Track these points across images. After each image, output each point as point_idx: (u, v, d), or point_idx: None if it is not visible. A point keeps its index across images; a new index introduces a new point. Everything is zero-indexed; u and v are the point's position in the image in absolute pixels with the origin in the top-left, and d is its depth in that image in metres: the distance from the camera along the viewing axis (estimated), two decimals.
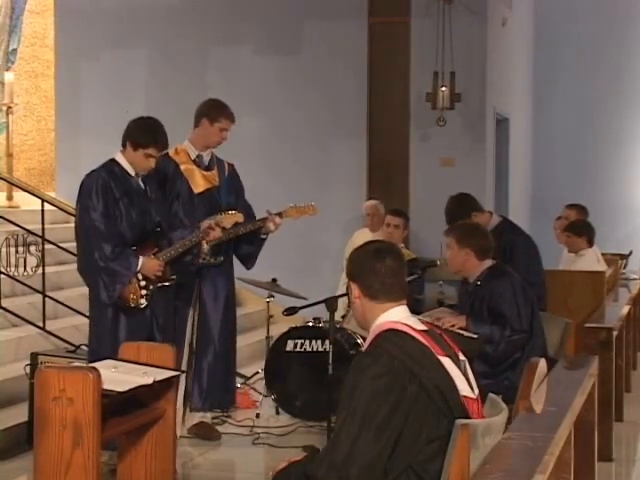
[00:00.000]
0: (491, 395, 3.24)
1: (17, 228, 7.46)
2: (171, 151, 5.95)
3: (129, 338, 5.00)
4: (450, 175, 9.40)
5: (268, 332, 7.17)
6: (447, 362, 3.04)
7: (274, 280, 7.11)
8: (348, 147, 9.80)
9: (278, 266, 8.44)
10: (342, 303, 6.61)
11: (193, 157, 6.02)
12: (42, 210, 7.47)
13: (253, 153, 9.59)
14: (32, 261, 7.41)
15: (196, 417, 6.08)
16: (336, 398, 3.30)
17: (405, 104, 9.72)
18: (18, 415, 5.80)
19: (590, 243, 7.95)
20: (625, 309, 7.12)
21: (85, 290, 5.51)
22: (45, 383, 3.82)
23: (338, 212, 9.49)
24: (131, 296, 5.20)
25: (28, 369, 5.76)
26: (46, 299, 7.23)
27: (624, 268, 9.59)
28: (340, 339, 6.36)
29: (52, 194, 9.99)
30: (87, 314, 5.68)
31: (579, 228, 8.01)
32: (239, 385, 6.97)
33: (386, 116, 9.79)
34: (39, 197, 7.88)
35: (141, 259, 5.23)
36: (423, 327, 3.14)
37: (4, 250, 7.36)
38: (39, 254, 7.39)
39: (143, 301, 5.24)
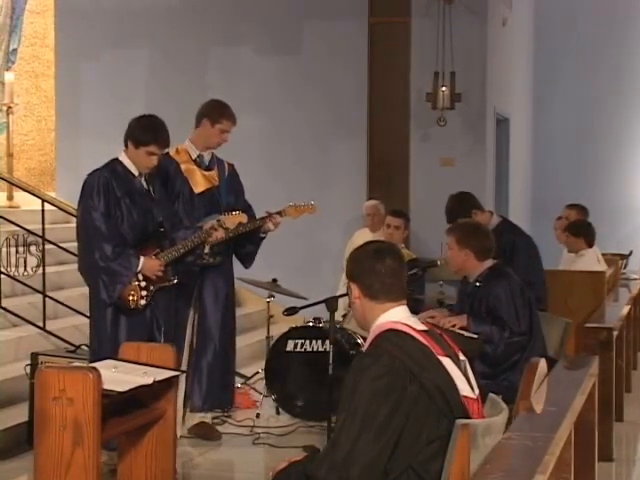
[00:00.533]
0: (491, 395, 3.24)
1: (17, 228, 7.46)
2: (172, 151, 5.95)
3: (130, 338, 5.00)
4: (450, 175, 9.40)
5: (268, 332, 7.17)
6: (447, 362, 3.04)
7: (274, 280, 7.11)
8: (348, 147, 9.80)
9: (278, 266, 8.45)
10: (342, 303, 6.60)
11: (194, 157, 6.02)
12: (42, 210, 7.47)
13: (253, 153, 9.59)
14: (32, 261, 7.41)
15: (196, 417, 6.08)
16: (336, 398, 3.30)
17: (405, 104, 9.72)
18: (18, 415, 5.80)
19: (589, 243, 7.95)
20: (625, 309, 7.12)
21: (85, 290, 5.51)
22: (45, 383, 3.82)
23: (338, 212, 9.49)
24: (131, 297, 5.18)
25: (28, 369, 5.76)
26: (46, 299, 7.22)
27: (624, 268, 9.59)
28: (340, 339, 6.36)
29: (52, 194, 9.99)
30: (87, 314, 5.67)
31: (577, 229, 8.00)
32: (239, 385, 6.97)
33: (386, 116, 9.79)
34: (39, 197, 7.89)
35: (141, 259, 5.22)
36: (423, 327, 3.14)
37: (4, 250, 7.36)
38: (39, 254, 7.39)
39: (143, 302, 5.23)
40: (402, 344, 3.01)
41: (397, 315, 3.13)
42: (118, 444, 4.51)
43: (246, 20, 9.99)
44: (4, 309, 7.14)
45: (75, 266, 5.52)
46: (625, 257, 9.96)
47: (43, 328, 7.05)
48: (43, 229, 7.40)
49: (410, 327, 3.08)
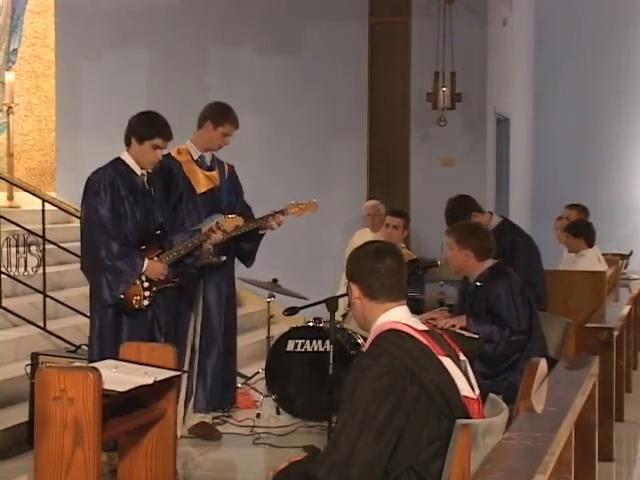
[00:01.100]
0: (492, 395, 3.24)
1: (18, 228, 7.47)
2: (173, 151, 5.96)
3: (131, 339, 4.99)
4: (451, 175, 9.40)
5: (269, 332, 7.18)
6: (448, 362, 3.04)
7: (275, 280, 7.11)
8: (348, 147, 9.80)
9: (279, 266, 8.45)
10: (343, 303, 6.60)
11: (195, 157, 6.03)
12: (43, 210, 7.47)
13: (253, 153, 9.59)
14: (33, 261, 7.41)
15: (196, 417, 6.09)
16: (337, 398, 3.30)
17: (406, 104, 9.72)
18: (18, 415, 5.80)
19: (589, 243, 7.95)
20: (626, 309, 7.12)
21: (86, 290, 5.50)
22: (46, 383, 3.82)
23: (339, 212, 9.49)
24: (134, 298, 5.18)
25: (29, 369, 5.75)
26: (47, 299, 7.23)
27: (625, 268, 9.59)
28: (341, 339, 6.36)
29: (53, 194, 10.00)
30: (88, 314, 5.66)
31: (577, 229, 8.01)
32: (239, 385, 6.97)
33: (387, 116, 9.79)
34: (40, 197, 7.89)
35: (146, 261, 5.21)
36: (424, 327, 3.15)
37: (5, 250, 7.36)
38: (40, 254, 7.39)
39: (146, 302, 5.23)
40: (402, 344, 3.01)
41: (397, 315, 3.13)
42: (119, 444, 4.51)
43: (246, 20, 9.99)
44: (4, 309, 7.14)
45: (76, 266, 5.52)
46: (625, 257, 9.96)
47: (43, 328, 7.05)
48: (43, 229, 7.40)
49: (410, 327, 3.08)
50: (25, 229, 7.45)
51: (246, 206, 6.17)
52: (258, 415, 6.56)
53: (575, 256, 7.98)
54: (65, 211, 8.42)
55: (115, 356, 4.56)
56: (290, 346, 6.59)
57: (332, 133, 9.84)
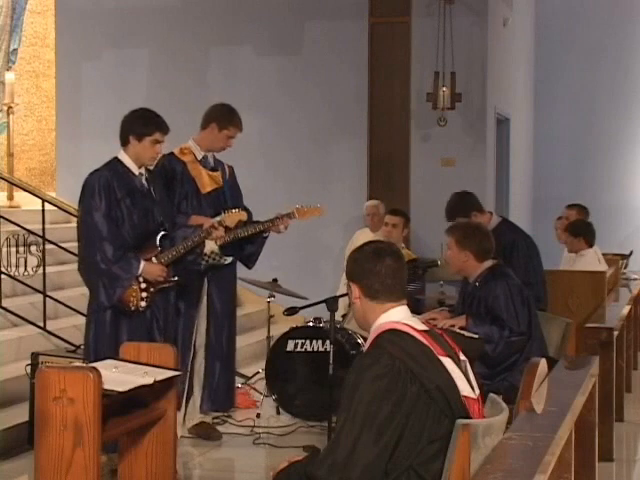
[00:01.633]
0: (492, 395, 3.23)
1: (18, 228, 7.47)
2: (176, 151, 5.96)
3: (130, 339, 4.98)
4: (451, 175, 9.40)
5: (269, 332, 7.18)
6: (448, 362, 3.04)
7: (275, 280, 7.12)
8: (349, 147, 9.80)
9: (279, 266, 8.46)
10: (343, 303, 6.61)
11: (199, 157, 6.03)
12: (43, 210, 7.48)
13: (253, 153, 9.59)
14: (33, 261, 7.41)
15: (197, 417, 6.09)
16: (337, 398, 3.30)
17: (406, 104, 9.72)
18: (19, 415, 5.80)
19: (589, 243, 7.95)
20: (626, 309, 7.12)
21: (86, 290, 5.48)
22: (46, 383, 3.82)
23: (339, 212, 9.49)
24: (131, 299, 5.17)
25: (29, 369, 5.75)
26: (47, 299, 7.23)
27: (625, 268, 9.59)
28: (341, 339, 6.37)
29: (53, 194, 10.00)
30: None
31: (577, 229, 8.01)
32: (239, 385, 6.98)
33: (387, 116, 9.79)
34: (40, 197, 7.89)
35: (142, 263, 5.19)
36: (424, 327, 3.14)
37: (5, 250, 7.36)
38: (40, 254, 7.39)
39: (143, 303, 5.22)
40: (402, 344, 3.01)
41: (397, 315, 3.13)
42: (119, 445, 4.51)
43: (246, 20, 10.00)
44: (4, 309, 7.14)
45: (76, 266, 5.51)
46: (625, 257, 9.96)
47: (43, 328, 7.05)
48: (43, 229, 7.40)
49: (411, 327, 3.08)
50: (25, 229, 7.45)
51: (246, 209, 6.17)
52: (258, 415, 6.56)
53: (575, 256, 7.98)
54: (65, 211, 8.42)
55: (115, 356, 4.56)
56: (290, 346, 6.59)
57: (332, 133, 9.84)
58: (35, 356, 5.80)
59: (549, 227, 8.97)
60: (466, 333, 5.04)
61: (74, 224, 5.56)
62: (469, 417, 2.98)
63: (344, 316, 7.25)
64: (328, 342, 5.57)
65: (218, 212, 5.83)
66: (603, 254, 8.19)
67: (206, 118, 6.04)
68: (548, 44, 13.48)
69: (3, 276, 7.21)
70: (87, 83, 10.40)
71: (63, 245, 7.74)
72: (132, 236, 5.23)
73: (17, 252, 7.41)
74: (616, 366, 6.08)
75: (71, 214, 8.31)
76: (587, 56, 13.44)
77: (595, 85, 13.45)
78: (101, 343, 5.17)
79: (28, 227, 7.48)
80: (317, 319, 6.66)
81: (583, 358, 4.74)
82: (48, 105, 11.08)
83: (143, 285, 5.20)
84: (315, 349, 6.54)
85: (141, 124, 5.26)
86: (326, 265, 9.55)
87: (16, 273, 7.37)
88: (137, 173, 5.32)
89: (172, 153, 5.91)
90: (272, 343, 6.84)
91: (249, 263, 6.20)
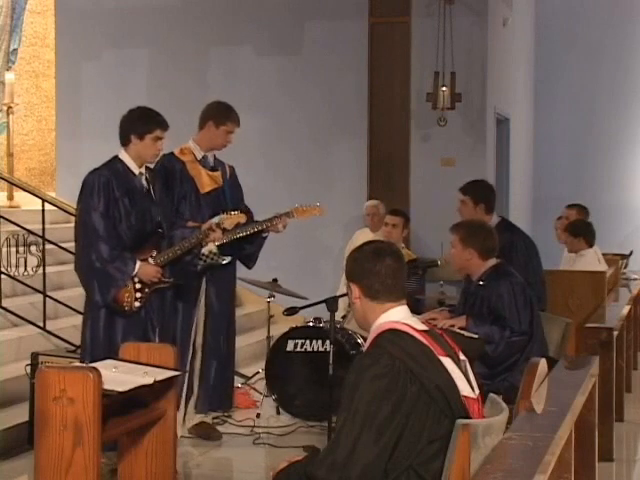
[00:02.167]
0: (492, 395, 3.23)
1: (18, 228, 7.47)
2: (176, 151, 5.97)
3: (124, 339, 4.98)
4: (450, 175, 9.39)
5: (269, 332, 7.17)
6: (448, 362, 3.04)
7: (275, 280, 7.11)
8: (349, 147, 9.80)
9: (279, 266, 8.46)
10: (343, 303, 6.62)
11: (199, 157, 6.03)
12: (43, 210, 7.48)
13: (253, 153, 9.60)
14: (33, 261, 7.41)
15: (196, 417, 6.09)
16: (337, 398, 3.30)
17: (406, 104, 9.72)
18: (19, 415, 5.80)
19: (589, 243, 7.95)
20: (626, 309, 7.12)
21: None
22: (46, 383, 3.82)
23: (339, 212, 9.48)
24: (125, 300, 5.17)
25: (29, 369, 5.76)
26: (47, 299, 7.23)
27: (625, 268, 9.59)
28: (341, 339, 6.36)
29: (52, 194, 10.00)
30: None
31: (577, 229, 8.01)
32: (239, 385, 6.98)
33: (387, 116, 9.79)
34: (40, 197, 7.89)
35: (138, 263, 5.19)
36: (424, 327, 3.14)
37: (5, 250, 7.36)
38: (40, 254, 7.40)
39: (137, 304, 5.21)
40: (402, 344, 3.01)
41: (397, 315, 3.13)
42: (119, 444, 4.51)
43: (246, 20, 10.00)
44: (4, 309, 7.14)
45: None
46: (625, 257, 9.96)
47: (43, 328, 7.05)
48: (43, 229, 7.40)
49: (410, 327, 3.08)
50: (25, 229, 7.45)
51: (247, 209, 6.17)
52: (258, 415, 6.56)
53: (575, 256, 7.98)
54: (65, 211, 8.42)
55: (109, 356, 4.56)
56: (290, 346, 6.59)
57: (332, 133, 9.84)
58: (35, 356, 5.80)
59: (549, 227, 8.97)
60: (466, 333, 5.04)
61: (74, 222, 5.55)
62: (469, 417, 2.98)
63: (344, 316, 7.25)
64: (328, 342, 5.57)
65: (217, 212, 5.83)
66: (603, 254, 8.19)
67: (202, 117, 6.05)
68: (548, 44, 13.47)
69: (3, 276, 7.21)
70: (87, 83, 10.40)
71: (63, 245, 7.74)
72: (129, 236, 5.23)
73: (17, 252, 7.41)
74: (616, 366, 6.08)
75: (71, 214, 8.29)
76: (587, 56, 13.44)
77: (595, 85, 13.45)
78: (96, 342, 5.17)
79: (28, 227, 7.48)
80: (317, 319, 6.66)
81: (583, 358, 4.74)
82: (48, 105, 11.08)
83: (138, 285, 5.20)
84: (315, 349, 6.54)
85: (142, 122, 5.27)
86: (326, 265, 9.55)
87: (16, 273, 7.37)
88: (137, 173, 5.32)
89: (172, 153, 5.91)
90: (272, 343, 6.84)
91: (249, 263, 6.21)
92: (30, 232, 7.45)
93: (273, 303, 7.19)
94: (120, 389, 3.93)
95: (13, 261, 7.40)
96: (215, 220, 5.62)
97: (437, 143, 9.64)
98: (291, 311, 5.70)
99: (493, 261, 5.22)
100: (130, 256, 5.19)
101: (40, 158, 11.21)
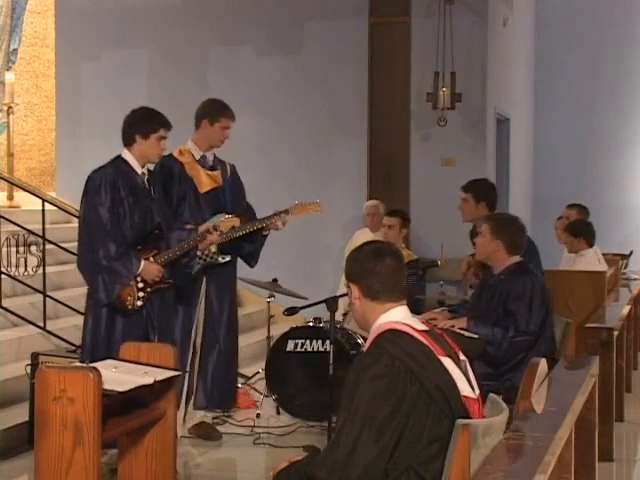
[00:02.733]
0: (492, 395, 3.23)
1: (18, 228, 7.47)
2: (175, 152, 5.97)
3: (125, 339, 4.97)
4: (451, 175, 9.39)
5: (269, 332, 7.18)
6: (448, 362, 3.04)
7: (275, 280, 7.12)
8: (349, 147, 9.80)
9: (279, 266, 8.46)
10: (342, 303, 6.61)
11: (197, 157, 6.03)
12: (43, 210, 7.47)
13: (254, 153, 9.60)
14: (33, 261, 7.41)
15: (197, 417, 6.09)
16: (337, 398, 3.29)
17: (406, 104, 9.73)
18: (19, 415, 5.80)
19: (589, 243, 7.95)
20: (626, 309, 7.12)
21: (86, 290, 5.50)
22: (46, 383, 3.82)
23: (339, 212, 9.49)
24: (128, 298, 5.17)
25: (29, 369, 5.76)
26: (47, 299, 7.23)
27: (625, 268, 9.59)
28: (341, 339, 6.36)
29: (53, 194, 10.01)
30: None
31: (577, 229, 8.01)
32: (239, 385, 6.97)
33: (387, 116, 9.79)
34: (40, 197, 7.89)
35: (142, 262, 5.21)
36: (424, 327, 3.14)
37: (5, 250, 7.36)
38: (40, 254, 7.40)
39: (140, 303, 5.22)
40: (402, 344, 3.01)
41: (397, 315, 3.13)
42: (118, 444, 4.51)
43: (246, 20, 10.00)
44: (4, 309, 7.14)
45: (75, 266, 5.51)
46: (626, 257, 9.96)
47: (43, 328, 7.05)
48: (43, 229, 7.40)
49: (410, 327, 3.08)
50: (25, 229, 7.45)
51: (248, 206, 6.18)
52: (258, 415, 6.56)
53: (575, 256, 7.97)
54: (65, 211, 8.42)
55: (108, 355, 4.56)
56: (290, 346, 6.59)
57: (332, 133, 9.84)
58: (35, 356, 5.80)
59: (549, 227, 8.97)
60: (466, 333, 5.03)
61: (74, 224, 5.57)
62: (469, 417, 2.98)
63: (344, 316, 7.25)
64: (328, 342, 5.57)
65: (217, 211, 5.84)
66: (603, 254, 8.19)
67: (197, 116, 6.06)
68: (548, 44, 13.48)
69: (3, 276, 7.21)
70: (87, 83, 10.40)
71: (63, 245, 7.74)
72: (131, 235, 5.24)
73: (17, 252, 7.41)
74: (616, 366, 6.08)
75: (71, 214, 8.31)
76: (587, 56, 13.44)
77: (595, 85, 13.45)
78: (97, 340, 5.18)
79: (28, 227, 7.48)
80: (317, 319, 6.66)
81: (583, 358, 4.74)
82: (48, 105, 11.08)
83: (140, 285, 5.21)
84: (315, 349, 6.54)
85: (146, 122, 5.28)
86: (326, 265, 9.55)
87: (16, 273, 7.37)
88: (140, 172, 5.33)
89: (171, 154, 5.91)
90: (272, 343, 6.84)
91: (251, 261, 6.21)
92: (30, 232, 7.45)
93: (273, 303, 7.19)
94: (120, 389, 3.93)
95: (13, 261, 7.40)
96: (211, 223, 5.63)
97: (437, 143, 9.64)
98: (291, 311, 5.70)
99: (517, 258, 5.20)
100: (135, 254, 5.21)
101: (40, 158, 11.21)
